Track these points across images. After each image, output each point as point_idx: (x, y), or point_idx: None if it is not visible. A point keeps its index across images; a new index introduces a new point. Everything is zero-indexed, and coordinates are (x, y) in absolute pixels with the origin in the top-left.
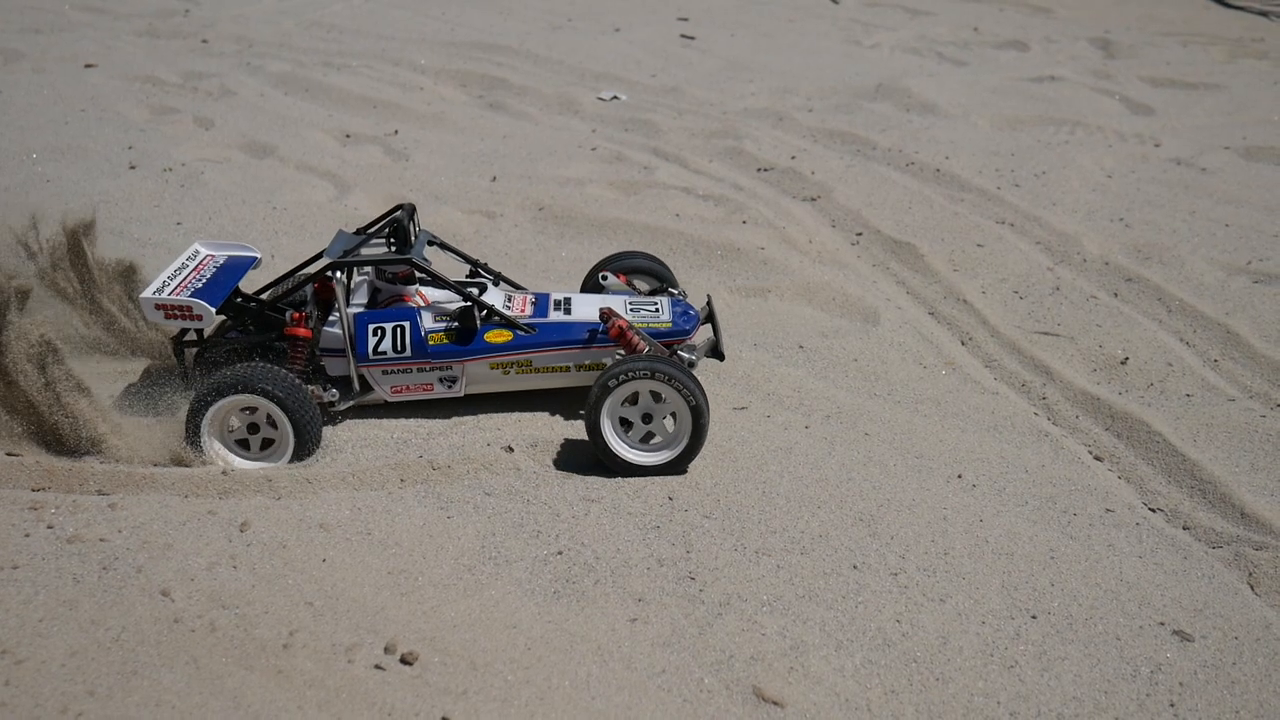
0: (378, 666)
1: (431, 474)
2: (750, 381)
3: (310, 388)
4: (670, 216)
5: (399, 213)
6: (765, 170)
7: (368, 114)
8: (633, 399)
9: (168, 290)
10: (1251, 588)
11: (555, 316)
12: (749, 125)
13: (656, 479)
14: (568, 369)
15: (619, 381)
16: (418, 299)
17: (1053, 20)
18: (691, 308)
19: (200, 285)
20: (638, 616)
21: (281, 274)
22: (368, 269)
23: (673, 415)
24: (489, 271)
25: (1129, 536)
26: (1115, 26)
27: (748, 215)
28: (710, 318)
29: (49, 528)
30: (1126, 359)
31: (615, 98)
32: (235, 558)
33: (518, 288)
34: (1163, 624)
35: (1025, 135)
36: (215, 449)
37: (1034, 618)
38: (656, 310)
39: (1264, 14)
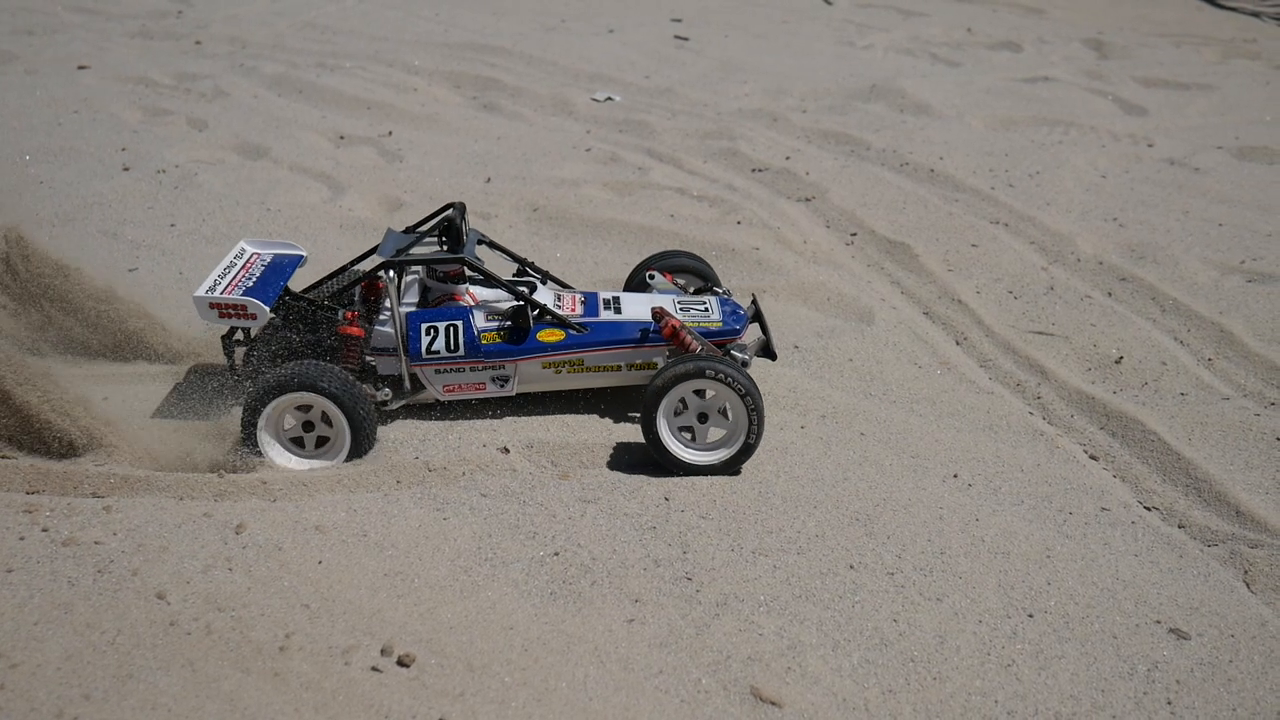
0: (374, 669)
1: (427, 475)
2: None
3: (363, 387)
4: (665, 217)
5: (450, 211)
6: (760, 171)
7: (361, 115)
8: (688, 399)
9: (219, 289)
10: (1247, 585)
11: (606, 315)
12: (743, 126)
13: (653, 479)
14: (619, 368)
15: (676, 381)
16: (467, 298)
17: (1046, 21)
18: (740, 307)
19: (251, 284)
20: (635, 617)
21: (327, 272)
22: (417, 268)
23: (726, 414)
24: (536, 270)
25: (1125, 535)
26: (1108, 27)
27: (742, 216)
28: (757, 317)
29: (44, 531)
30: (1121, 358)
31: (609, 99)
32: (231, 560)
33: (565, 286)
34: (1159, 622)
35: (1019, 135)
36: (270, 447)
37: (1031, 616)
38: (706, 310)
39: (1256, 14)
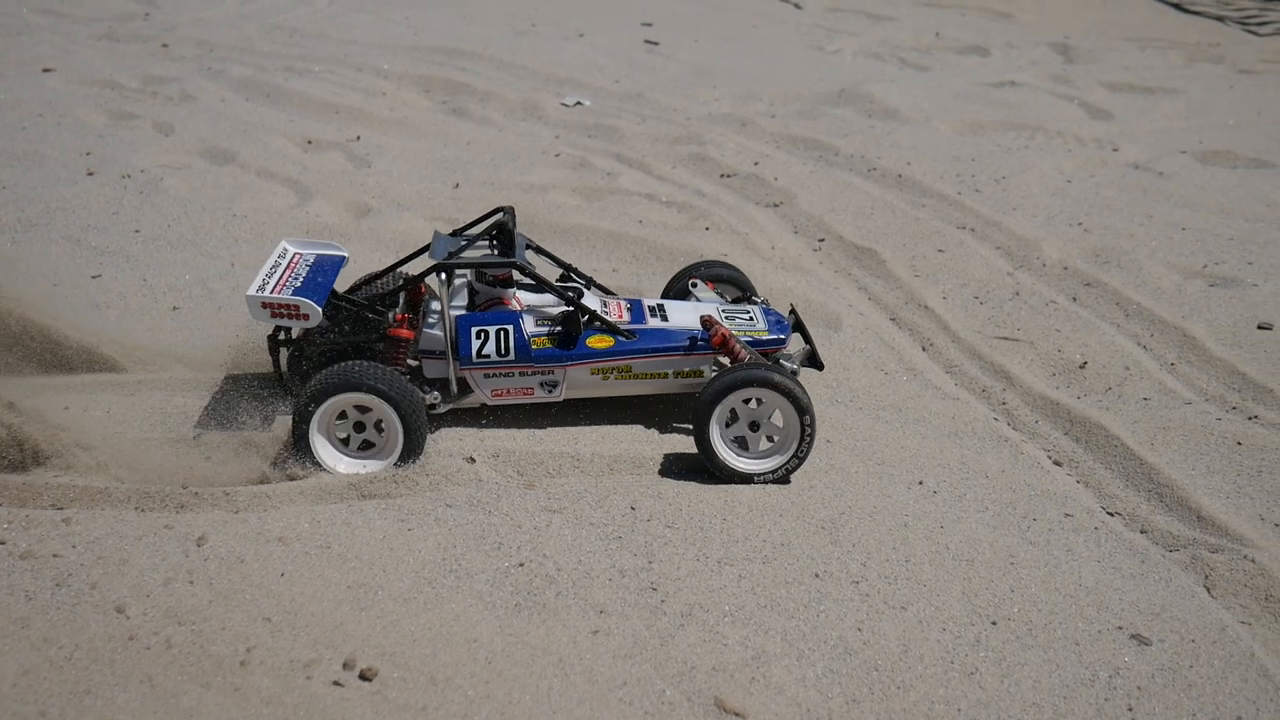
0: (336, 683)
1: (392, 486)
2: None
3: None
4: (633, 223)
5: (502, 216)
6: (728, 176)
7: (330, 120)
8: (738, 408)
9: (268, 289)
10: (1208, 590)
11: (653, 323)
12: (712, 131)
13: (619, 488)
14: (665, 375)
15: (731, 389)
16: (515, 302)
17: (1013, 26)
18: (782, 316)
19: (299, 284)
20: (599, 628)
21: (371, 273)
22: (464, 271)
23: (777, 422)
24: (580, 275)
25: (1088, 541)
26: (1075, 32)
27: (710, 221)
28: (798, 326)
29: (1, 543)
30: (1085, 363)
31: (579, 103)
32: (192, 573)
33: (608, 293)
34: (1121, 628)
35: (986, 140)
36: (322, 448)
37: (994, 624)
38: (751, 319)
39: (1220, 19)
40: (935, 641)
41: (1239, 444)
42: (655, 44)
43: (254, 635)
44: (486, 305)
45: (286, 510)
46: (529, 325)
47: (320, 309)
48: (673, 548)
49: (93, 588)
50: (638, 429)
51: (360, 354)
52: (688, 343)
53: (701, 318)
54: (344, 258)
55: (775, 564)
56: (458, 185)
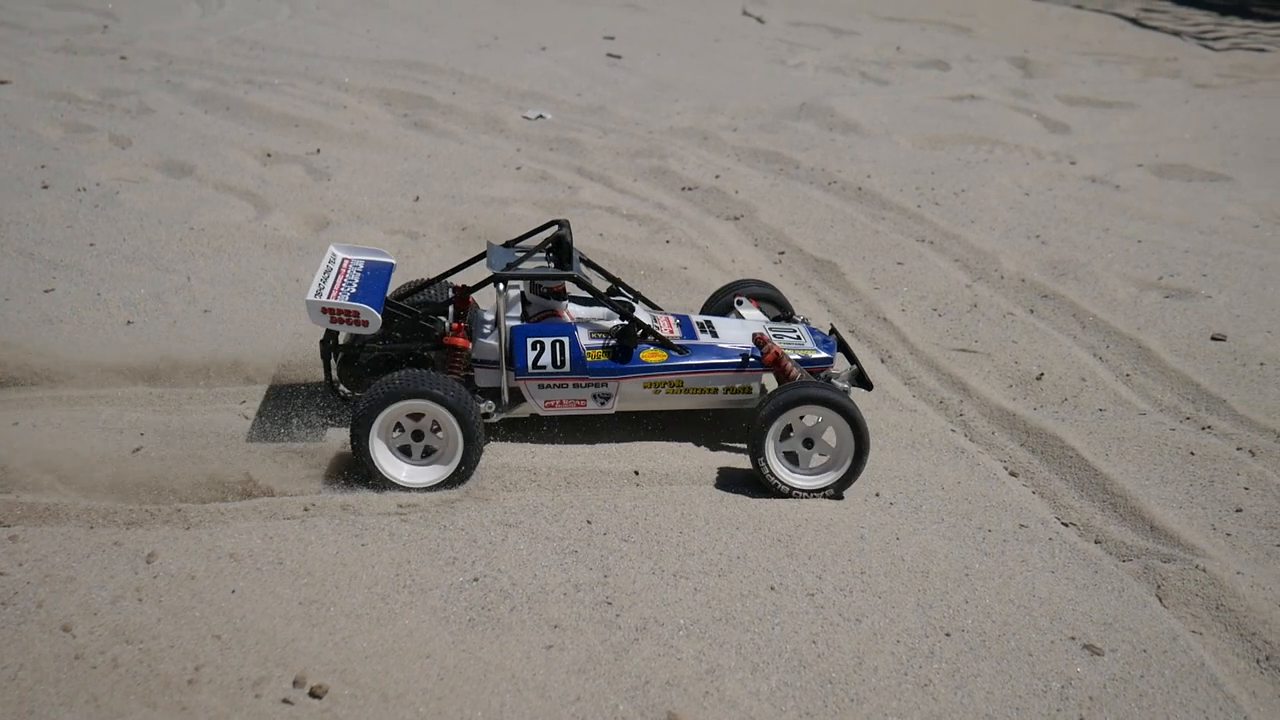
0: (286, 701)
1: (347, 500)
2: None
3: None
4: (594, 236)
5: (559, 229)
6: (689, 189)
7: (289, 133)
8: (795, 424)
9: (325, 294)
10: (1160, 600)
11: (704, 339)
12: (674, 144)
13: (576, 501)
14: (715, 390)
15: (789, 406)
16: (566, 314)
17: (973, 40)
18: (827, 336)
19: (354, 290)
20: (553, 643)
21: (413, 280)
22: (517, 282)
23: (829, 439)
24: (629, 290)
25: (1042, 551)
26: (1034, 46)
27: (671, 235)
28: (842, 346)
29: None
30: (1042, 374)
31: (541, 117)
32: (141, 590)
33: (655, 308)
34: (1073, 639)
35: (945, 154)
36: (382, 454)
37: (948, 635)
38: (799, 338)
39: (1177, 33)
40: (889, 654)
41: (1192, 454)
42: (618, 57)
43: (203, 653)
44: (539, 317)
45: (239, 526)
46: (584, 338)
47: (380, 316)
48: (629, 561)
49: (39, 606)
50: (596, 445)
51: (412, 362)
52: (740, 359)
53: (754, 335)
54: (392, 265)
55: (731, 577)
56: (418, 198)
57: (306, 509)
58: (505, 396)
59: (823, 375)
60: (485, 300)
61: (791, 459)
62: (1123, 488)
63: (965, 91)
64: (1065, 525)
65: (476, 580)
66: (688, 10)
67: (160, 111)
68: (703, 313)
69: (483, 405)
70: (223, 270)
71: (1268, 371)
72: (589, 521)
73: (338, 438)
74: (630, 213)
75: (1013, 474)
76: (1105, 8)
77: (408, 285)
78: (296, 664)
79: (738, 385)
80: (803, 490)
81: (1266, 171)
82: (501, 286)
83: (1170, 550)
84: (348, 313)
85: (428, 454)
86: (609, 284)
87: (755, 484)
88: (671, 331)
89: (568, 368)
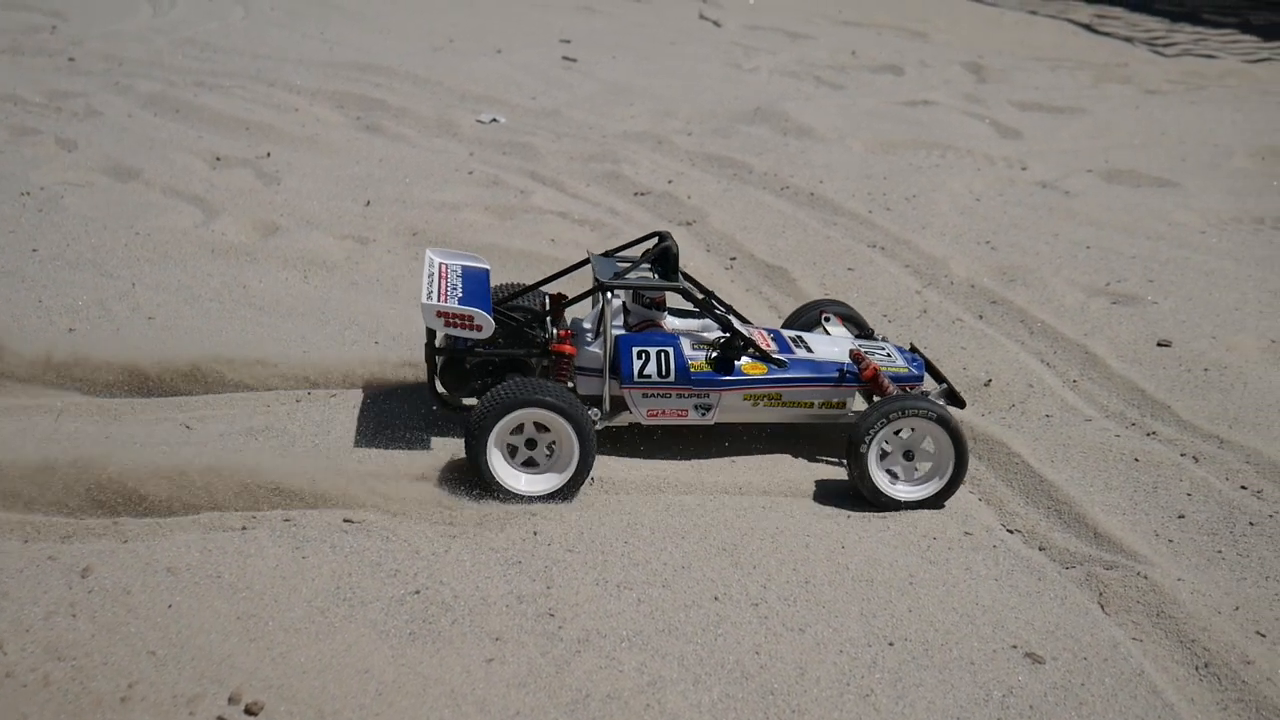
0: (220, 718)
1: (288, 511)
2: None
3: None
4: (545, 242)
5: (667, 241)
6: (642, 194)
7: (240, 136)
8: (891, 438)
9: (436, 298)
10: (1101, 607)
11: (800, 353)
12: (628, 149)
13: (522, 511)
14: (812, 405)
15: (895, 418)
16: (664, 325)
17: (928, 45)
18: (915, 354)
19: (460, 295)
20: (494, 657)
21: (504, 284)
22: (620, 292)
23: (928, 449)
24: (721, 303)
25: (986, 559)
26: (988, 51)
27: (622, 240)
28: (928, 365)
29: None
30: (990, 381)
31: (494, 120)
32: (75, 605)
33: (745, 321)
34: (1015, 647)
35: (898, 159)
36: (499, 463)
37: (891, 645)
38: (889, 355)
39: (1128, 40)
40: (832, 664)
41: (1136, 460)
42: (573, 61)
43: (137, 670)
44: (639, 327)
45: (177, 539)
46: (686, 348)
47: (493, 321)
48: (573, 572)
49: None
50: None
51: (515, 369)
52: (838, 375)
53: (851, 351)
54: (488, 269)
55: (675, 587)
56: (369, 203)
57: (245, 525)
58: (607, 405)
59: (915, 392)
60: (572, 309)
61: (890, 472)
62: (1067, 494)
63: (919, 97)
64: (1010, 532)
65: (418, 593)
66: (644, 14)
67: (108, 114)
68: (785, 327)
69: (591, 413)
70: (168, 276)
71: (1211, 377)
72: (535, 532)
73: (280, 448)
74: (582, 218)
75: None
76: (1059, 14)
77: (500, 291)
78: (232, 680)
79: (834, 400)
80: (907, 502)
81: (1213, 178)
82: (609, 296)
83: (1113, 557)
84: (462, 317)
85: (529, 464)
86: (702, 296)
87: (701, 492)
88: (767, 346)
89: (672, 378)
